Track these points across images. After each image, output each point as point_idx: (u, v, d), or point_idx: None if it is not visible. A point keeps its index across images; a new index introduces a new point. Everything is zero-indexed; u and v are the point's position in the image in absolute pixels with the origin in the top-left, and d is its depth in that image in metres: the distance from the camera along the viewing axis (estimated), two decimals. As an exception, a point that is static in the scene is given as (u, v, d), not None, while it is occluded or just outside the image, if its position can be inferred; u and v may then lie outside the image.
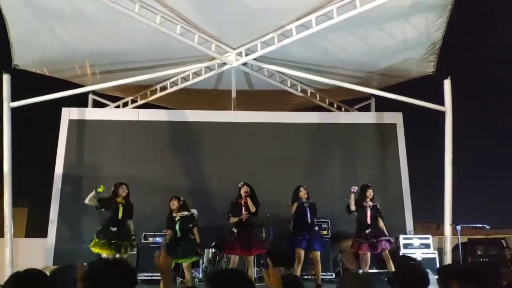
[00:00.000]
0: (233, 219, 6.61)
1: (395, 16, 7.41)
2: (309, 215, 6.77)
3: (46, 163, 9.19)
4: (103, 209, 6.49)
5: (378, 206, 7.05)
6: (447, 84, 8.06)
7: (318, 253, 6.74)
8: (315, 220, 6.97)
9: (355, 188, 6.90)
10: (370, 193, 7.01)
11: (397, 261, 6.55)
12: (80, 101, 9.60)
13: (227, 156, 8.87)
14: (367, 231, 6.84)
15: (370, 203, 6.98)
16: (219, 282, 2.07)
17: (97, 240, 6.29)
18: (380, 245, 6.78)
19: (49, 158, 8.94)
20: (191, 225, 6.40)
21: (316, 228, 6.89)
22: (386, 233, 6.96)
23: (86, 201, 6.50)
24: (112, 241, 6.23)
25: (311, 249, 6.71)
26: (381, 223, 6.99)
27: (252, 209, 6.56)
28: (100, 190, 6.40)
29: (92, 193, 6.45)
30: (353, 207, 6.93)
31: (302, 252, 6.68)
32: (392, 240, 7.15)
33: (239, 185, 6.78)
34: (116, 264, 2.06)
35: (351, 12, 6.92)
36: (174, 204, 6.41)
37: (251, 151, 8.98)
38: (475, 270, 2.75)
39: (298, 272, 6.68)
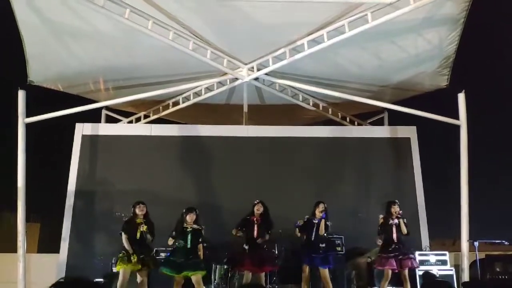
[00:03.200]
0: (237, 231, 6.64)
1: (408, 30, 7.38)
2: (314, 232, 6.69)
3: (60, 179, 9.23)
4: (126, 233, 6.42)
5: (405, 221, 6.80)
6: (461, 97, 7.98)
7: (326, 270, 6.60)
8: (323, 237, 6.79)
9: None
10: (395, 209, 6.80)
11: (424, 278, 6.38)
12: (93, 116, 9.69)
13: (239, 170, 8.83)
14: (391, 247, 6.67)
15: (396, 221, 6.75)
16: None
17: (120, 256, 6.29)
18: (406, 263, 6.59)
19: (63, 174, 8.99)
20: (200, 240, 6.37)
21: (323, 245, 6.70)
22: (405, 231, 6.78)
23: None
24: (135, 256, 6.19)
25: (313, 266, 6.62)
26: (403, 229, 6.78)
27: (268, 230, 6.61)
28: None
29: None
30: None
31: (306, 268, 6.62)
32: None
33: (255, 202, 6.77)
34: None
35: (362, 26, 6.92)
36: (193, 217, 6.36)
37: (263, 165, 8.93)
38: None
39: None
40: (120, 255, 6.29)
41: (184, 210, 6.45)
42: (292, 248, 7.67)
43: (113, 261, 7.23)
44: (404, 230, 6.72)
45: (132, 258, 6.17)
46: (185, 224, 6.35)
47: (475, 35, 8.87)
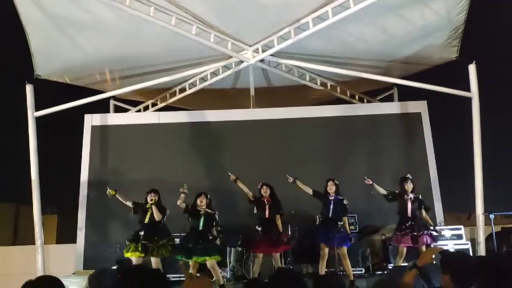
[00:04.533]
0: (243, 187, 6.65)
1: (414, 2, 7.24)
2: (331, 210, 6.65)
3: (73, 170, 9.34)
4: (135, 213, 6.77)
5: (420, 197, 6.74)
6: (472, 68, 7.80)
7: (344, 248, 6.57)
8: (341, 216, 6.74)
9: (369, 180, 6.77)
10: (408, 186, 6.71)
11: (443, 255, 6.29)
12: (102, 107, 9.74)
13: (249, 154, 8.81)
14: (407, 224, 6.56)
15: (411, 196, 6.67)
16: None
17: (127, 243, 6.52)
18: (421, 239, 6.49)
19: (76, 165, 9.09)
20: (215, 224, 6.39)
21: (341, 223, 6.64)
22: (431, 223, 6.74)
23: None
24: (139, 243, 6.36)
25: (331, 245, 6.56)
26: (425, 215, 6.71)
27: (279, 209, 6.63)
28: (112, 193, 6.83)
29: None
30: (382, 191, 6.76)
31: (325, 248, 6.56)
32: (436, 233, 6.80)
33: (259, 186, 6.77)
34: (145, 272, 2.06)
35: (368, 0, 6.77)
36: (202, 201, 6.43)
37: (273, 148, 8.91)
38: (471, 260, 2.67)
39: (322, 268, 6.56)
40: (127, 243, 6.47)
41: (195, 196, 6.51)
42: (305, 228, 7.68)
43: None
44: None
45: (138, 246, 6.34)
46: (199, 208, 6.40)
47: (485, 2, 8.60)
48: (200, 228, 6.33)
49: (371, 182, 6.77)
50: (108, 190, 6.86)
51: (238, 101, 10.03)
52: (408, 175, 6.87)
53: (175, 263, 7.48)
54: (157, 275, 2.09)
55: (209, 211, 6.42)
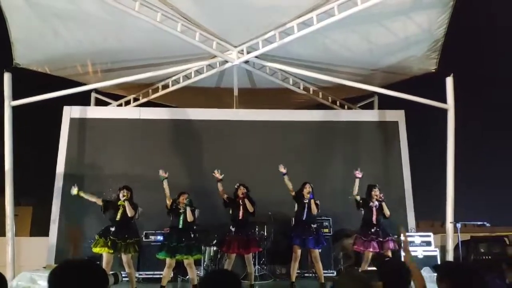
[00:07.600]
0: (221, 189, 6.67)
1: (397, 13, 7.36)
2: (305, 213, 6.74)
3: (51, 162, 9.19)
4: (105, 212, 6.61)
5: (383, 204, 6.91)
6: (449, 81, 8.04)
7: (316, 251, 6.68)
8: (314, 218, 6.87)
9: (358, 173, 6.86)
10: (375, 192, 6.93)
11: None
12: (83, 99, 9.62)
13: (229, 154, 8.85)
14: (372, 230, 6.80)
15: (376, 203, 6.89)
16: (208, 283, 2.09)
17: (96, 237, 6.41)
18: (387, 244, 6.75)
19: (53, 157, 8.96)
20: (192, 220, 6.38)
21: (314, 226, 6.78)
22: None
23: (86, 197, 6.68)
24: (108, 239, 6.26)
25: (305, 247, 6.68)
26: (386, 212, 6.88)
27: (251, 209, 6.64)
28: (75, 193, 6.60)
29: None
30: (355, 191, 6.89)
31: (298, 249, 6.65)
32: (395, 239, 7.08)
33: (236, 186, 6.82)
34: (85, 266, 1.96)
35: (352, 9, 6.88)
36: (185, 197, 6.44)
37: (253, 149, 8.97)
38: (469, 267, 2.80)
39: (294, 269, 6.67)
40: (97, 237, 6.37)
41: (177, 194, 6.53)
42: (281, 230, 7.77)
43: None
44: (387, 212, 6.87)
45: (107, 242, 6.23)
46: (179, 206, 6.42)
47: (464, 17, 8.85)
48: (180, 226, 6.36)
49: (360, 176, 6.86)
50: (73, 188, 6.61)
51: (221, 101, 10.05)
52: (376, 184, 7.07)
53: (148, 260, 7.52)
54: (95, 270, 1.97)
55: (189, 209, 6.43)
